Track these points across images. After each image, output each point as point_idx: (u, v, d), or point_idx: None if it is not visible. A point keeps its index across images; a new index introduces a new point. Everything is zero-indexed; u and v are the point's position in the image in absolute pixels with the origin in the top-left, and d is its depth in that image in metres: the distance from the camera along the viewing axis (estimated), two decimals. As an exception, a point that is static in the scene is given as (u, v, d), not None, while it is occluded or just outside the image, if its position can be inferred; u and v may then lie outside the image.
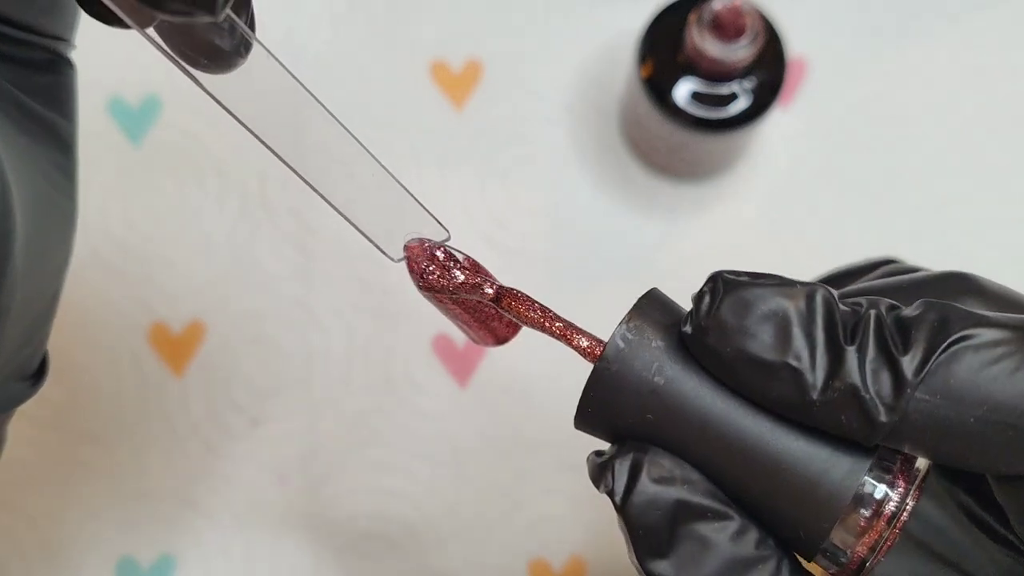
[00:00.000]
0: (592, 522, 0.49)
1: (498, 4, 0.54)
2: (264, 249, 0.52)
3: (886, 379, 0.21)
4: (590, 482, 0.48)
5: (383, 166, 0.26)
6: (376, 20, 0.54)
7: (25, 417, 0.50)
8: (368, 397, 0.50)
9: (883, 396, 0.21)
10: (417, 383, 0.50)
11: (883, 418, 0.22)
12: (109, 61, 0.52)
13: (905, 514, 0.23)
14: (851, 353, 0.22)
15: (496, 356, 0.50)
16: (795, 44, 0.51)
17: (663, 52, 0.47)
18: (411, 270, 0.27)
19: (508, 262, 0.52)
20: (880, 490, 0.23)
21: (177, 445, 0.50)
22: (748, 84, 0.47)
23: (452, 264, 0.27)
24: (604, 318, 0.51)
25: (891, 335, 0.22)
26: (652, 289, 0.25)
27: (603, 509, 0.49)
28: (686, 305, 0.25)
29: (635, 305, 0.25)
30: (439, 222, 0.27)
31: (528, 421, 0.50)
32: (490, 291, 0.27)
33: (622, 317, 0.24)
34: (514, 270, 0.52)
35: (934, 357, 0.21)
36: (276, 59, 0.24)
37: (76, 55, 0.29)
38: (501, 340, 0.28)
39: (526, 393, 0.50)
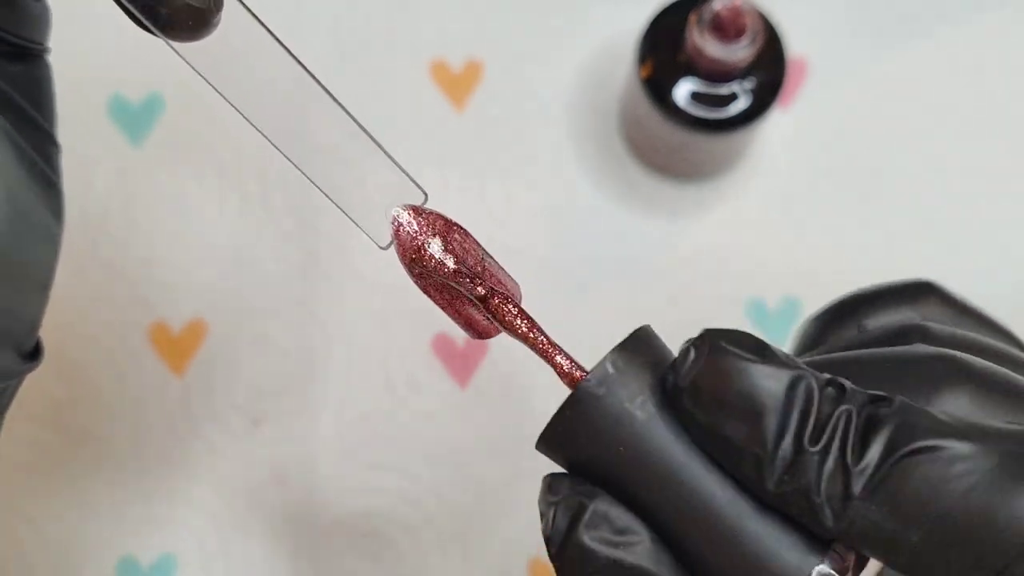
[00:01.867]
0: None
1: (498, 4, 0.54)
2: (264, 249, 0.52)
3: (838, 486, 0.21)
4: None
5: (361, 126, 0.26)
6: (376, 20, 0.54)
7: (25, 416, 0.50)
8: (368, 397, 0.50)
9: (832, 502, 0.21)
10: (417, 383, 0.51)
11: (830, 523, 0.21)
12: (110, 61, 0.52)
13: None
14: (811, 456, 0.21)
15: (496, 356, 0.50)
16: (795, 44, 0.51)
17: (663, 52, 0.47)
18: (401, 248, 0.26)
19: (508, 262, 0.52)
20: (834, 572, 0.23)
21: (177, 445, 0.50)
22: (748, 84, 0.47)
23: (449, 249, 0.26)
24: (604, 318, 0.51)
25: (853, 441, 0.21)
26: (644, 327, 0.25)
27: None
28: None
29: (627, 338, 0.24)
30: (416, 184, 0.27)
31: (528, 421, 0.50)
32: (480, 290, 0.26)
33: (611, 348, 0.24)
34: (514, 270, 0.52)
35: (884, 467, 0.21)
36: (256, 17, 0.24)
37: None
38: (482, 335, 0.27)
39: (526, 393, 0.50)
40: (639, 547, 0.22)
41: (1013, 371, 0.23)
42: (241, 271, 0.51)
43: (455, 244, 0.27)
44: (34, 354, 0.28)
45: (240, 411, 0.50)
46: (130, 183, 0.52)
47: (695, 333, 0.24)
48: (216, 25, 0.24)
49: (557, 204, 0.52)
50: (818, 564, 0.22)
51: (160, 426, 0.50)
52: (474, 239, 0.27)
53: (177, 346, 0.51)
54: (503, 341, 0.51)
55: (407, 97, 0.53)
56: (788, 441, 0.22)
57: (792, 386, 0.22)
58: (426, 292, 0.27)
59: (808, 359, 0.25)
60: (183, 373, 0.51)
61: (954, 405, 0.22)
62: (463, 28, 0.54)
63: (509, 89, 0.54)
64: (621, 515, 0.23)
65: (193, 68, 0.24)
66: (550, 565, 0.51)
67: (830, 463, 0.21)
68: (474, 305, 0.27)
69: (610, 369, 0.23)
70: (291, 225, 0.52)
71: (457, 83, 0.54)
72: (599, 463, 0.23)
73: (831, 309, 0.28)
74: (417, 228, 0.26)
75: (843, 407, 0.22)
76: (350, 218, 0.26)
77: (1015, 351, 0.25)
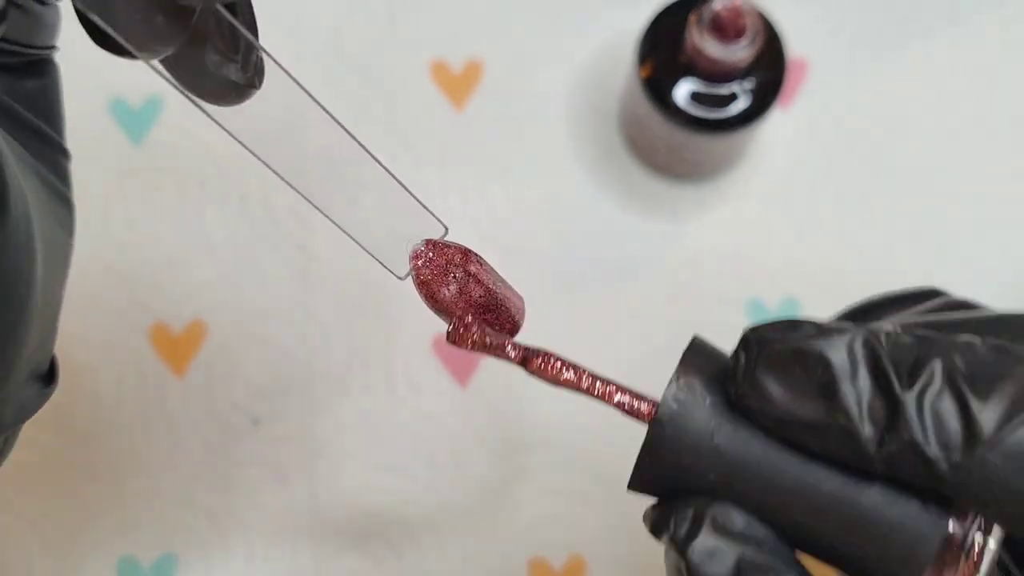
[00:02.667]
0: (592, 521, 0.49)
1: (498, 4, 0.54)
2: (264, 249, 0.52)
3: (955, 430, 0.19)
4: (590, 482, 0.48)
5: (381, 164, 0.26)
6: (376, 20, 0.54)
7: (26, 417, 0.50)
8: (368, 397, 0.50)
9: (950, 450, 0.19)
10: (417, 383, 0.51)
11: (948, 476, 0.20)
12: (110, 62, 0.52)
13: (988, 557, 0.21)
14: (909, 401, 0.20)
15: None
16: (795, 44, 0.51)
17: (663, 52, 0.47)
18: (420, 284, 0.26)
19: (508, 262, 0.52)
20: (963, 533, 0.21)
21: (177, 445, 0.50)
22: (748, 84, 0.47)
23: (477, 321, 0.26)
24: (604, 318, 0.51)
25: (964, 378, 0.20)
26: (695, 338, 0.24)
27: (603, 508, 0.49)
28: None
29: (682, 360, 0.23)
30: (436, 217, 0.27)
31: (528, 421, 0.50)
32: (513, 354, 0.25)
33: (671, 375, 0.23)
34: (514, 270, 0.52)
35: (1017, 419, 0.19)
36: (283, 68, 0.24)
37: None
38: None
39: (526, 393, 0.50)
40: (766, 544, 0.22)
41: None
42: (241, 271, 0.51)
43: (470, 282, 0.26)
44: (50, 377, 0.28)
45: (240, 411, 0.50)
46: (130, 183, 0.52)
47: (695, 333, 0.24)
48: (251, 96, 0.24)
49: (557, 204, 0.52)
50: (946, 527, 0.21)
51: (160, 426, 0.50)
52: (488, 266, 0.27)
53: (177, 347, 0.51)
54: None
55: (407, 97, 0.53)
56: (871, 396, 0.20)
57: (851, 345, 0.21)
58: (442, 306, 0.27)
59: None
60: (183, 374, 0.51)
61: None
62: (463, 28, 0.54)
63: (509, 89, 0.54)
64: (742, 516, 0.22)
65: (204, 111, 0.24)
66: (550, 564, 0.52)
67: (937, 405, 0.19)
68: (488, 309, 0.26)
69: (673, 405, 0.23)
70: (291, 225, 0.52)
71: (457, 83, 0.54)
72: (698, 488, 0.23)
73: (841, 316, 0.27)
74: (433, 274, 0.26)
75: (936, 346, 0.20)
76: (366, 250, 0.26)
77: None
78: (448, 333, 0.26)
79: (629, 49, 0.50)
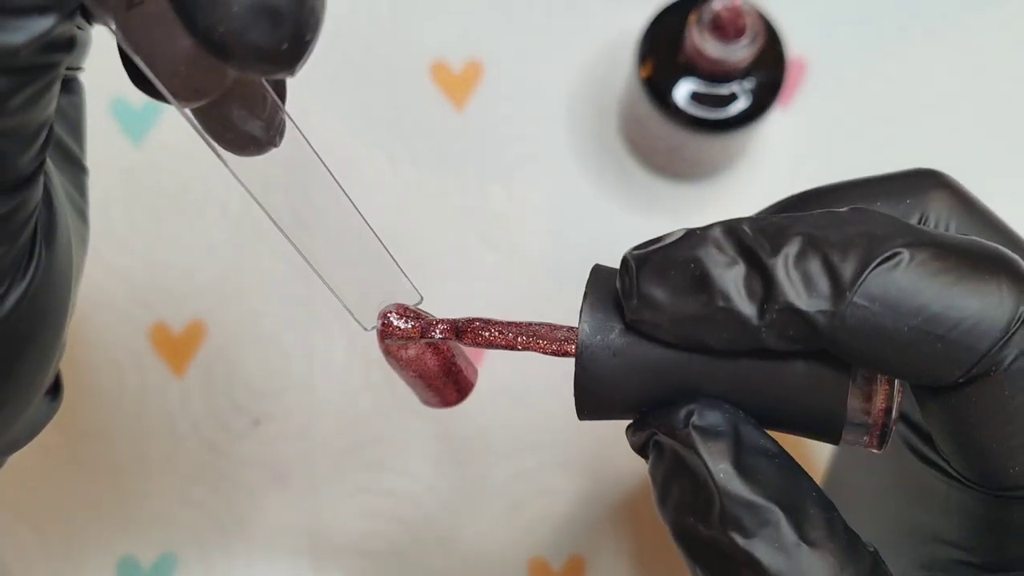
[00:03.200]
0: (591, 522, 0.49)
1: (498, 4, 0.54)
2: (265, 249, 0.52)
3: (823, 285, 0.21)
4: (590, 482, 0.48)
5: (368, 223, 0.27)
6: (376, 20, 0.54)
7: (26, 417, 0.50)
8: (368, 397, 0.50)
9: (821, 301, 0.21)
10: (417, 383, 0.51)
11: (823, 323, 0.21)
12: (111, 62, 0.52)
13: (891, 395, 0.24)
14: (778, 266, 0.22)
15: (496, 357, 0.50)
16: (795, 44, 0.51)
17: (663, 52, 0.47)
18: (381, 338, 0.27)
19: (508, 262, 0.52)
20: (865, 381, 0.24)
21: (177, 445, 0.50)
22: (748, 84, 0.47)
23: (405, 317, 0.27)
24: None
25: (824, 239, 0.22)
26: (595, 266, 0.26)
27: (603, 509, 0.49)
28: None
29: (586, 293, 0.25)
30: (413, 285, 0.28)
31: (528, 421, 0.50)
32: (442, 329, 0.27)
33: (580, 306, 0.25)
34: (514, 270, 0.52)
35: (873, 264, 0.21)
36: (301, 133, 0.25)
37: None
38: (449, 404, 0.29)
39: (526, 393, 0.50)
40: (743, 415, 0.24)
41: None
42: (241, 271, 0.51)
43: (428, 352, 0.28)
44: (55, 390, 0.28)
45: (240, 411, 0.50)
46: (130, 183, 0.52)
47: (596, 263, 0.25)
48: (269, 151, 0.25)
49: (557, 204, 0.52)
50: (847, 378, 0.23)
51: (160, 426, 0.50)
52: (452, 344, 0.28)
53: (177, 347, 0.51)
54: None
55: (407, 97, 0.53)
56: (744, 271, 0.22)
57: (712, 234, 0.22)
58: (408, 377, 0.28)
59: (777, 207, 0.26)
60: (183, 374, 0.51)
61: (936, 210, 0.23)
62: (463, 28, 0.54)
63: (509, 89, 0.54)
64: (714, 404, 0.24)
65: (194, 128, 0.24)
66: (550, 564, 0.52)
67: (804, 265, 0.21)
68: (440, 370, 0.28)
69: (587, 343, 0.24)
70: (291, 225, 0.52)
71: (457, 83, 0.54)
72: (640, 402, 0.24)
73: (819, 190, 0.28)
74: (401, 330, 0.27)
75: (796, 218, 0.22)
76: (336, 296, 0.27)
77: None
78: (378, 331, 0.27)
79: (629, 49, 0.50)
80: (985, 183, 0.53)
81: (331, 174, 0.25)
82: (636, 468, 0.49)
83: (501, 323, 0.26)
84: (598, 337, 0.24)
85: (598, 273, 0.26)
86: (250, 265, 0.51)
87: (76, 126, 0.28)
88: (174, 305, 0.51)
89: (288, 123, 0.25)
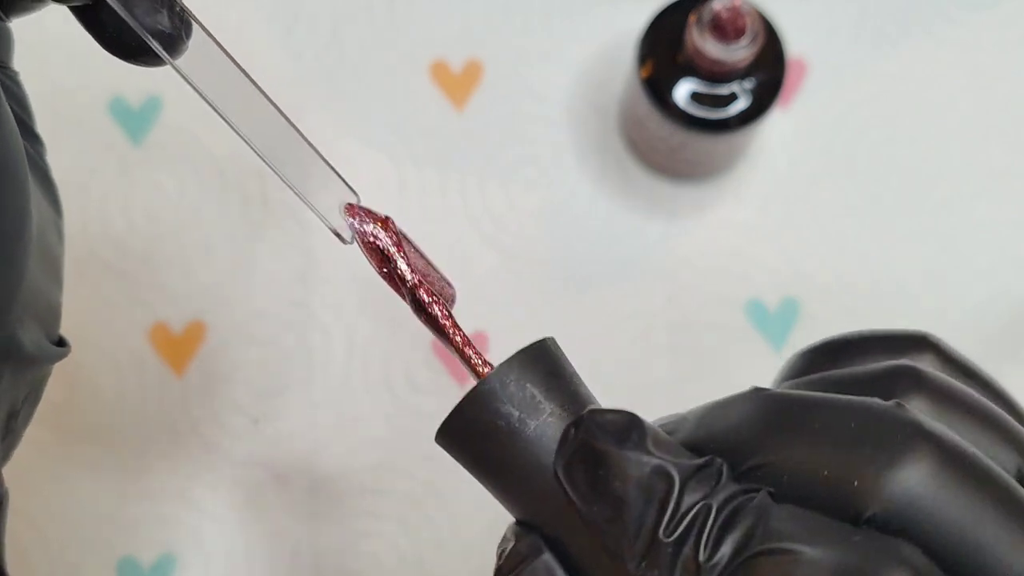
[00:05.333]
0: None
1: (498, 4, 0.54)
2: (264, 249, 0.52)
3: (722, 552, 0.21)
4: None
5: (295, 127, 0.26)
6: (376, 20, 0.54)
7: (26, 417, 0.50)
8: (368, 397, 0.50)
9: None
10: (417, 383, 0.51)
11: None
12: (110, 62, 0.52)
13: None
14: (664, 547, 0.22)
15: (496, 357, 0.50)
16: (795, 45, 0.51)
17: (663, 52, 0.47)
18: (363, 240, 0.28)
19: (508, 262, 0.52)
20: None
21: (177, 445, 0.50)
22: (748, 85, 0.47)
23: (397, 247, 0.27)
24: (603, 318, 0.51)
25: (708, 535, 0.22)
26: (546, 339, 0.25)
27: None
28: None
29: (528, 348, 0.25)
30: (347, 184, 0.28)
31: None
32: (410, 277, 0.27)
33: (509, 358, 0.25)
34: (514, 270, 0.52)
35: (732, 566, 0.21)
36: (203, 28, 0.24)
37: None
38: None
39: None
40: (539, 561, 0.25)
41: (998, 441, 0.23)
42: (241, 272, 0.51)
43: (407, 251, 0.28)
44: (60, 342, 0.29)
45: (240, 411, 0.50)
46: (130, 183, 0.52)
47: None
48: (184, 52, 0.24)
49: (557, 204, 0.52)
50: None
51: (160, 426, 0.50)
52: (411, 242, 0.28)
53: (178, 347, 0.51)
54: (501, 342, 0.51)
55: (407, 97, 0.53)
56: (644, 530, 0.22)
57: (654, 474, 0.22)
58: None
59: (788, 382, 0.25)
60: (183, 374, 0.51)
61: (909, 476, 0.21)
62: (463, 28, 0.54)
63: (509, 89, 0.54)
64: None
65: (176, 69, 0.25)
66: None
67: (685, 554, 0.22)
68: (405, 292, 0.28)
69: (508, 379, 0.24)
70: (291, 225, 0.52)
71: (457, 83, 0.54)
72: (487, 464, 0.25)
73: (819, 347, 0.27)
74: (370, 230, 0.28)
75: (704, 502, 0.22)
76: (316, 212, 0.28)
77: (1008, 421, 0.24)
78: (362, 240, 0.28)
79: (629, 49, 0.50)
80: (985, 183, 0.53)
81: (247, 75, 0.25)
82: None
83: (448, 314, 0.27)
84: (507, 390, 0.24)
85: (542, 348, 0.25)
86: (250, 265, 0.51)
87: (24, 103, 0.29)
88: (174, 305, 0.51)
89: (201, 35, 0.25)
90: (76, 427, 0.50)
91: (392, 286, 0.28)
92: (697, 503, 0.22)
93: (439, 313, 0.27)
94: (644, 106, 0.48)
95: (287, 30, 0.54)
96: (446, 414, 0.25)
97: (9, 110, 0.24)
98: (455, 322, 0.27)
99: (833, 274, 0.52)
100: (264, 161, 0.26)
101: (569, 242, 0.52)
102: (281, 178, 0.27)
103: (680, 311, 0.51)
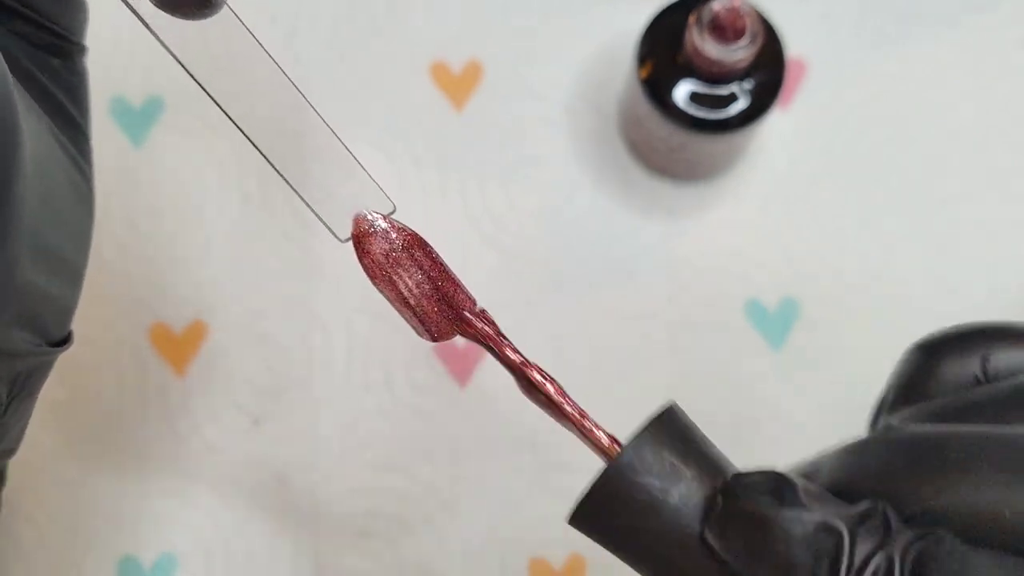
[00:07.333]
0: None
1: (498, 5, 0.54)
2: (265, 249, 0.52)
3: None
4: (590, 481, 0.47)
5: (335, 132, 0.26)
6: (376, 20, 0.54)
7: (26, 417, 0.50)
8: (368, 397, 0.50)
9: None
10: (417, 383, 0.51)
11: None
12: (111, 62, 0.52)
13: None
14: None
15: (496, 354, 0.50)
16: (794, 45, 0.51)
17: (662, 53, 0.47)
18: (360, 252, 0.26)
19: (508, 263, 0.52)
20: None
21: (178, 445, 0.50)
22: (747, 85, 0.47)
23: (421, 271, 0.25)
24: (603, 318, 0.51)
25: None
26: (671, 406, 0.24)
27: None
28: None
29: (654, 419, 0.23)
30: (384, 192, 0.27)
31: (528, 421, 0.50)
32: (514, 358, 0.25)
33: (639, 429, 0.23)
34: (514, 270, 0.52)
35: None
36: (240, 20, 0.24)
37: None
38: (437, 337, 0.27)
39: (526, 393, 0.50)
40: None
41: None
42: (241, 271, 0.52)
43: (421, 264, 0.26)
44: (63, 341, 0.28)
45: (240, 411, 0.50)
46: (130, 183, 0.52)
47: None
48: (219, 6, 0.24)
49: (557, 204, 0.52)
50: None
51: (160, 426, 0.50)
52: (435, 254, 0.27)
53: (178, 346, 0.51)
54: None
55: (407, 97, 0.53)
56: None
57: (819, 531, 0.21)
58: (379, 283, 0.26)
59: (917, 408, 0.24)
60: (184, 373, 0.51)
61: None
62: (463, 28, 0.54)
63: (509, 89, 0.54)
64: None
65: (169, 52, 0.24)
66: (550, 564, 0.52)
67: None
68: (435, 302, 0.26)
69: (644, 450, 0.23)
70: (291, 225, 0.52)
71: (457, 83, 0.54)
72: (631, 539, 0.23)
73: (945, 339, 0.25)
74: (398, 246, 0.26)
75: (882, 552, 0.21)
76: (310, 208, 0.26)
77: None
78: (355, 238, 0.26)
79: (629, 49, 0.50)
80: (985, 183, 0.53)
81: (290, 80, 0.25)
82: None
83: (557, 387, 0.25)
84: (642, 465, 0.23)
85: (669, 416, 0.24)
86: (250, 265, 0.52)
87: (77, 96, 0.29)
88: (174, 305, 0.51)
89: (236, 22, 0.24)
90: (76, 427, 0.50)
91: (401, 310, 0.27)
92: (872, 554, 0.21)
93: (553, 390, 0.25)
94: (644, 106, 0.48)
95: (287, 30, 0.54)
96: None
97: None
98: (569, 397, 0.25)
99: (833, 274, 0.52)
100: (265, 159, 0.26)
101: (569, 242, 0.52)
102: (279, 174, 0.26)
103: (680, 311, 0.51)
